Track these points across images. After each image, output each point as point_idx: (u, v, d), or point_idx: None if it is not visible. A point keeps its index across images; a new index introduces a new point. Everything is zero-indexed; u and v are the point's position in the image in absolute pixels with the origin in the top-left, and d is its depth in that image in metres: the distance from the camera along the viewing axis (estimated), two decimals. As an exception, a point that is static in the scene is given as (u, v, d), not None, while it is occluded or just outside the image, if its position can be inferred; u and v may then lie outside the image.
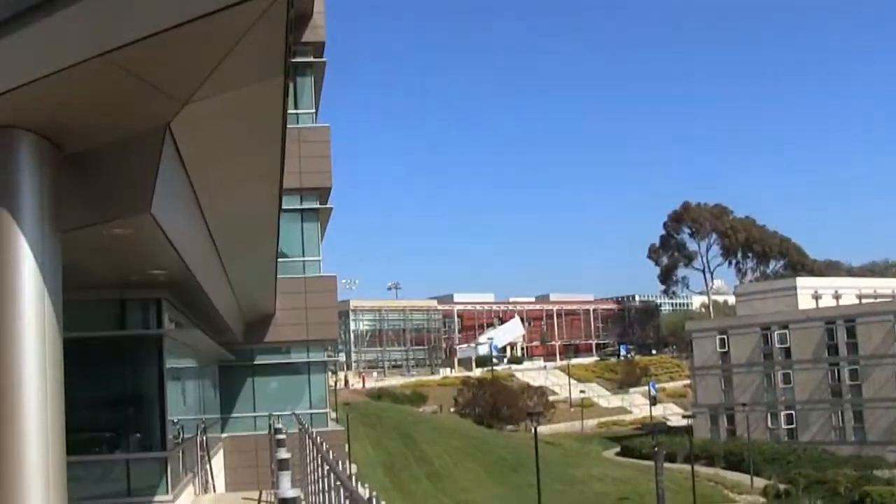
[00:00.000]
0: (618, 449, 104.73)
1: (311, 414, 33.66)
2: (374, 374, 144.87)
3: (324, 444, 12.75)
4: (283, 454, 13.68)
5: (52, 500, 10.17)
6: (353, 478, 8.99)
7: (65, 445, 10.46)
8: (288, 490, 8.26)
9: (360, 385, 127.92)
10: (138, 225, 11.69)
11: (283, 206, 17.23)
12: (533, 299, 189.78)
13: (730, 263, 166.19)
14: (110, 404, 18.63)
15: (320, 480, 12.35)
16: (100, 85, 9.49)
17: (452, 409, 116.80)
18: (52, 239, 10.43)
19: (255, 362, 35.56)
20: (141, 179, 10.76)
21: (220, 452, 32.14)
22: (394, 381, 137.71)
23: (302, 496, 9.15)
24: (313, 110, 36.71)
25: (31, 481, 10.06)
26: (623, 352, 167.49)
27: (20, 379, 10.04)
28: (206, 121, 10.90)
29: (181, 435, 20.30)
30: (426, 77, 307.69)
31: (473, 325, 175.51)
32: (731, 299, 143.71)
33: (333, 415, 50.63)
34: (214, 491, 27.15)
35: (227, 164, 13.53)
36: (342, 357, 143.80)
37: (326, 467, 11.26)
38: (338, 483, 8.98)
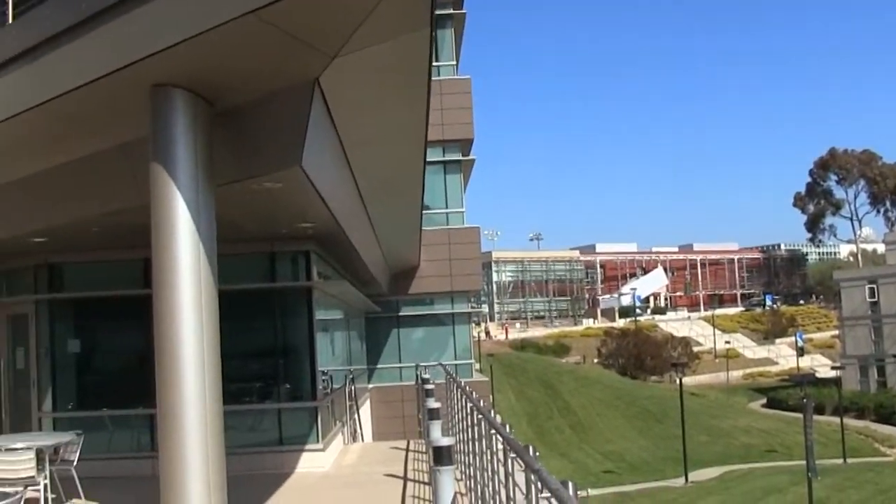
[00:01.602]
0: (763, 400, 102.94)
1: (456, 365, 33.94)
2: (517, 325, 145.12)
3: (473, 392, 12.83)
4: (434, 404, 13.82)
5: (211, 447, 10.47)
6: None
7: (221, 394, 10.75)
8: (442, 439, 8.33)
9: (503, 336, 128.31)
10: (289, 178, 11.87)
11: (427, 159, 17.30)
12: (676, 249, 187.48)
13: (878, 211, 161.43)
14: (261, 355, 19.03)
15: (469, 429, 12.44)
16: (251, 41, 9.64)
17: (596, 360, 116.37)
18: (206, 194, 10.66)
19: (400, 314, 35.95)
20: (291, 133, 10.92)
21: (367, 403, 32.63)
22: (536, 332, 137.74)
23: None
24: (454, 62, 36.76)
25: (190, 429, 10.37)
26: (769, 302, 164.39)
27: (179, 330, 10.34)
28: (353, 74, 10.99)
29: (330, 385, 20.65)
30: (570, 26, 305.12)
31: (616, 275, 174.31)
32: (881, 248, 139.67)
33: (477, 366, 50.96)
34: (363, 440, 27.63)
35: (374, 117, 13.62)
36: (485, 308, 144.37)
37: (477, 416, 11.35)
38: (492, 431, 9.04)
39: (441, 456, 8.10)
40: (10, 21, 12.30)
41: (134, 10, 9.81)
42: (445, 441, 8.20)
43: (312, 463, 17.93)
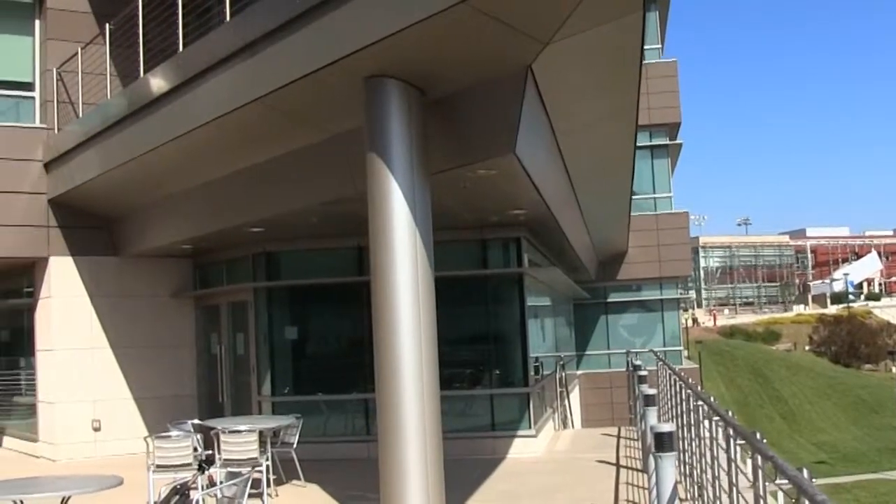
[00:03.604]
0: None
1: (665, 351, 33.55)
2: (725, 311, 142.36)
3: (689, 378, 12.66)
4: (649, 390, 13.66)
5: (428, 431, 10.62)
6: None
7: (438, 379, 10.90)
8: (662, 425, 8.23)
9: (711, 323, 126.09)
10: (502, 165, 11.91)
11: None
12: (891, 232, 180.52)
13: None
14: (472, 341, 19.17)
15: (684, 416, 12.28)
16: (464, 30, 9.71)
17: (807, 348, 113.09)
18: (421, 182, 10.81)
19: (609, 300, 35.76)
20: (505, 121, 10.96)
21: (577, 389, 32.57)
22: (745, 318, 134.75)
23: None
24: (659, 45, 36.30)
25: (408, 413, 10.54)
26: None
27: (396, 316, 10.52)
28: (565, 61, 10.96)
29: (541, 371, 20.67)
30: (776, 9, 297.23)
31: (827, 260, 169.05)
32: None
33: (686, 353, 50.25)
34: (573, 427, 27.60)
35: (585, 102, 13.56)
36: (692, 294, 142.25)
37: (693, 402, 11.18)
38: (716, 419, 8.90)
39: (662, 442, 7.99)
40: (228, 19, 12.71)
41: (347, 4, 10.03)
42: (666, 427, 8.09)
43: (524, 449, 17.99)
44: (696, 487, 11.32)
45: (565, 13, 9.34)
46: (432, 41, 9.95)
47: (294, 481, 15.27)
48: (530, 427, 18.23)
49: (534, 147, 12.37)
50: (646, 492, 13.18)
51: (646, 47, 34.99)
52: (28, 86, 20.05)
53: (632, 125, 15.30)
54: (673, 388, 14.43)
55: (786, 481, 5.14)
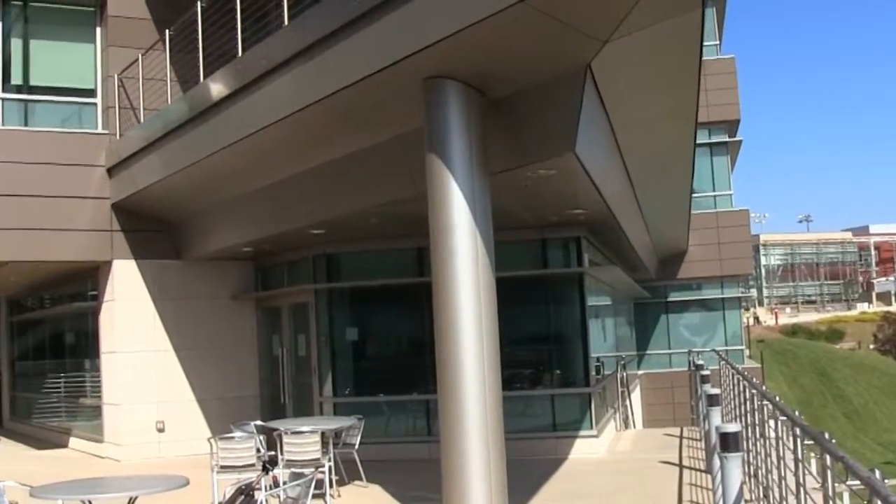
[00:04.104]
0: None
1: (726, 350, 33.26)
2: (787, 309, 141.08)
3: (754, 378, 12.55)
4: (713, 390, 13.58)
5: (490, 432, 10.61)
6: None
7: (500, 380, 10.88)
8: (728, 425, 8.17)
9: (773, 321, 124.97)
10: (562, 165, 11.88)
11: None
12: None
13: None
14: (532, 342, 19.12)
15: (748, 415, 12.17)
16: (523, 30, 9.70)
17: (872, 346, 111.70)
18: (481, 183, 10.81)
19: (669, 299, 35.53)
20: (564, 120, 10.92)
21: (638, 389, 32.40)
22: (807, 316, 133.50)
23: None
24: (717, 42, 36.02)
25: (470, 414, 10.55)
26: None
27: (458, 317, 10.53)
28: (624, 58, 10.90)
29: (602, 371, 20.59)
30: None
31: (892, 256, 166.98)
32: None
33: (748, 352, 49.83)
34: (634, 427, 27.47)
35: (644, 101, 13.50)
36: (753, 293, 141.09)
37: (758, 402, 11.08)
38: (782, 418, 8.82)
39: (728, 442, 7.94)
40: (286, 23, 12.79)
41: (405, 6, 10.05)
42: (732, 427, 8.03)
43: (586, 449, 17.93)
44: (760, 488, 11.22)
45: (624, 11, 9.30)
46: (491, 42, 9.95)
47: (356, 482, 15.32)
48: (592, 427, 18.16)
49: (593, 146, 12.32)
50: (710, 493, 13.10)
51: (704, 43, 34.73)
52: (90, 92, 20.31)
53: (691, 122, 15.20)
54: (736, 388, 14.31)
55: (856, 482, 5.08)
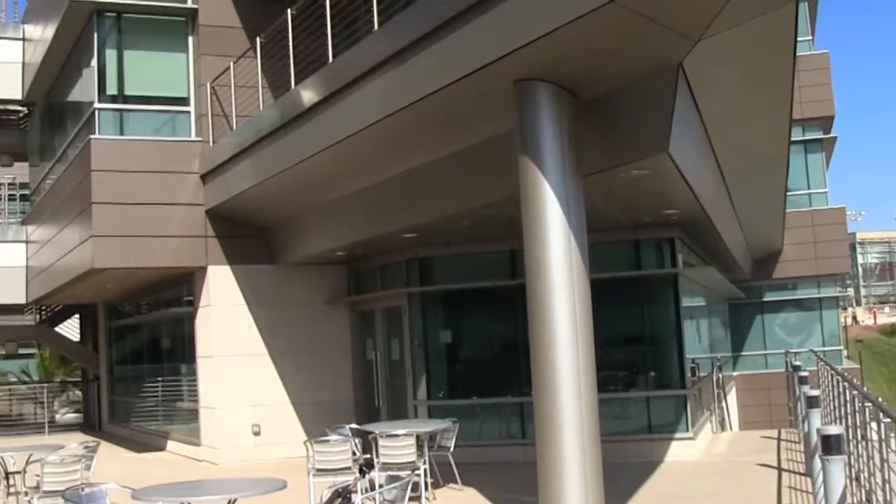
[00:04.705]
0: None
1: (824, 351, 32.73)
2: (885, 309, 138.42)
3: (854, 379, 12.31)
4: (812, 391, 13.35)
5: (586, 434, 10.56)
6: None
7: (595, 382, 10.82)
8: (829, 427, 8.03)
9: (871, 321, 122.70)
10: (655, 165, 11.77)
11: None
12: None
13: None
14: (626, 343, 18.98)
15: (849, 417, 11.94)
16: (614, 30, 9.65)
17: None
18: (574, 184, 10.77)
19: (764, 299, 35.04)
20: (657, 120, 10.84)
21: (733, 390, 32.01)
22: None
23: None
24: (810, 37, 35.47)
25: (566, 416, 10.51)
26: None
27: (552, 319, 10.50)
28: (716, 57, 10.79)
29: (697, 373, 20.37)
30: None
31: None
32: None
33: (846, 352, 49.00)
34: (731, 429, 27.13)
35: (737, 99, 13.34)
36: (850, 292, 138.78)
37: (860, 403, 10.86)
38: (886, 420, 8.63)
39: (829, 445, 7.79)
40: (376, 28, 12.85)
41: (495, 8, 10.06)
42: (834, 429, 7.88)
43: (682, 451, 17.74)
44: (863, 492, 11.00)
45: (715, 9, 9.20)
46: (582, 42, 9.91)
47: (451, 485, 15.34)
48: (688, 430, 17.96)
49: (687, 146, 12.21)
50: (810, 496, 12.87)
51: (797, 39, 34.27)
52: (183, 101, 20.60)
53: (785, 120, 14.99)
54: (836, 389, 14.05)
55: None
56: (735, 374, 33.62)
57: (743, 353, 34.91)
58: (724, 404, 25.82)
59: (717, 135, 14.20)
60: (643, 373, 18.81)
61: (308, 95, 14.70)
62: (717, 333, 28.21)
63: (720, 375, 25.46)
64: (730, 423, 27.32)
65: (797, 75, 13.17)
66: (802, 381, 16.45)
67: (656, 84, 10.76)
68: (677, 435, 17.96)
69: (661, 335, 18.58)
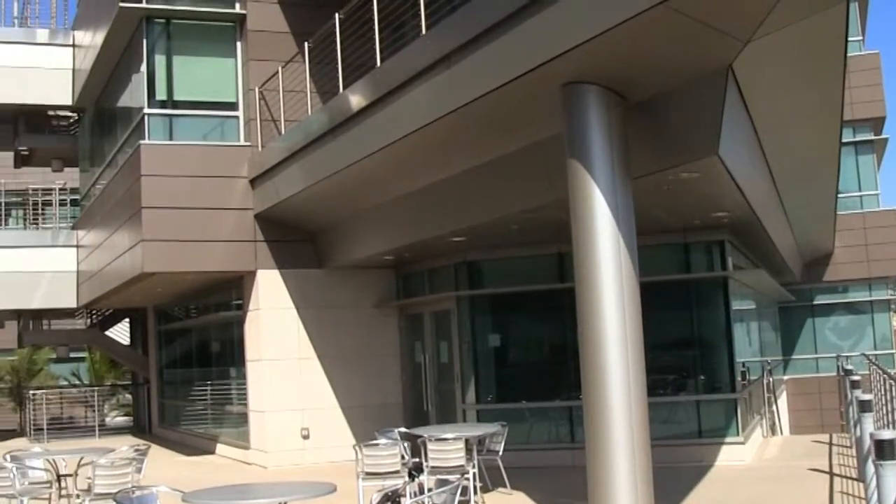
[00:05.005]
0: None
1: (875, 355, 32.40)
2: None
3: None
4: (864, 395, 13.21)
5: (636, 438, 10.50)
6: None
7: (645, 384, 10.76)
8: (883, 432, 7.93)
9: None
10: (705, 168, 11.71)
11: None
12: None
13: None
14: (674, 347, 18.87)
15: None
16: (662, 32, 9.62)
17: None
18: (623, 187, 10.72)
19: (815, 302, 34.73)
20: (707, 122, 10.78)
21: (784, 394, 31.76)
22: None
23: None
24: (860, 37, 35.15)
25: (616, 420, 10.46)
26: None
27: (602, 322, 10.46)
28: (766, 58, 10.72)
29: (747, 377, 20.22)
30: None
31: None
32: None
33: (898, 355, 48.49)
34: (781, 433, 26.91)
35: (788, 100, 13.21)
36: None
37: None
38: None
39: (883, 450, 7.69)
40: (424, 32, 12.87)
41: (542, 12, 10.05)
42: (888, 434, 7.78)
43: (732, 456, 17.60)
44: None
45: (765, 10, 9.13)
46: (630, 45, 9.88)
47: (500, 489, 15.32)
48: (738, 434, 17.83)
49: (736, 147, 12.13)
50: (863, 501, 12.75)
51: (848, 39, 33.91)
52: (232, 105, 20.72)
53: (836, 121, 14.84)
54: (889, 394, 13.90)
55: None
56: (785, 377, 33.35)
57: (793, 357, 34.61)
58: (774, 408, 25.63)
59: (767, 136, 14.09)
60: (693, 376, 18.69)
61: (356, 99, 14.74)
62: (767, 337, 28.00)
63: (770, 379, 25.27)
64: (780, 428, 27.11)
65: (847, 76, 13.03)
66: (854, 385, 16.29)
67: (706, 86, 10.69)
68: (727, 439, 17.83)
69: (710, 338, 18.47)
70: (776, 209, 19.35)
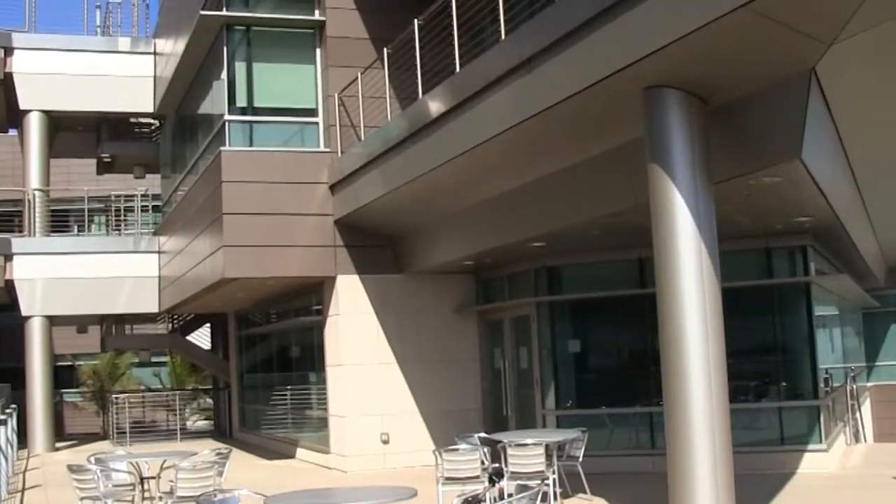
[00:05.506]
0: None
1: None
2: None
3: None
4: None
5: (718, 445, 10.43)
6: None
7: (727, 392, 10.68)
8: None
9: None
10: (787, 172, 11.60)
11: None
12: None
13: None
14: (755, 353, 18.66)
15: None
16: (745, 36, 9.55)
17: None
18: (704, 192, 10.66)
19: (901, 308, 34.16)
20: (789, 126, 10.68)
21: (867, 402, 31.27)
22: None
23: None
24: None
25: (697, 426, 10.41)
26: None
27: (683, 328, 10.42)
28: (850, 60, 10.56)
29: (830, 383, 19.94)
30: None
31: None
32: None
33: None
34: (865, 441, 26.48)
35: (872, 102, 13.00)
36: None
37: None
38: None
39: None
40: (503, 37, 12.90)
41: (622, 16, 10.03)
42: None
43: (814, 464, 17.36)
44: None
45: (849, 12, 9.03)
46: (712, 49, 9.82)
47: (580, 494, 15.27)
48: (821, 441, 17.59)
49: (819, 152, 11.99)
50: (950, 510, 12.54)
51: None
52: (312, 112, 20.87)
53: (923, 124, 14.59)
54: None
55: None
56: (869, 384, 32.81)
57: (877, 364, 34.05)
58: (857, 415, 25.23)
59: (850, 140, 13.88)
60: (775, 383, 18.48)
61: (435, 105, 14.79)
62: (850, 343, 27.60)
63: (854, 386, 24.89)
64: (864, 435, 26.66)
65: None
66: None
67: (789, 89, 10.60)
68: (810, 447, 17.59)
69: (793, 345, 18.25)
70: (860, 214, 19.05)
